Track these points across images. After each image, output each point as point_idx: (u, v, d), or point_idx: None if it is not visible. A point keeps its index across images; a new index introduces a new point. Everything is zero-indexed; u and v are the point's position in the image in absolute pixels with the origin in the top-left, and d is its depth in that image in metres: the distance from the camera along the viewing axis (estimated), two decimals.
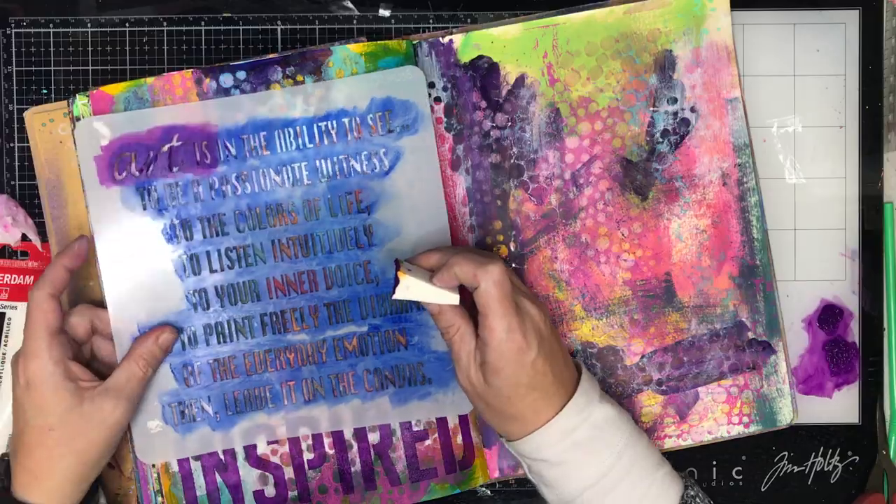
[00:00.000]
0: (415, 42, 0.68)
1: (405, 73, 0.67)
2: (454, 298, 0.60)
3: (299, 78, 0.67)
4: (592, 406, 0.61)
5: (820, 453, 0.72)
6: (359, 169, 0.67)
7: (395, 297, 0.59)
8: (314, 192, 0.67)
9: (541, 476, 0.61)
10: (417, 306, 0.67)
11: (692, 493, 0.61)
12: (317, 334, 0.67)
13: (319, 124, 0.67)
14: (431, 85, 0.68)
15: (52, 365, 0.60)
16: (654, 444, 0.62)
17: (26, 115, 0.68)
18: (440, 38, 0.68)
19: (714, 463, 0.72)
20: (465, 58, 0.69)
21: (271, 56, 0.67)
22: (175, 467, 0.67)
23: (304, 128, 0.67)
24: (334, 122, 0.67)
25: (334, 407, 0.68)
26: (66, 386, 0.61)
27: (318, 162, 0.67)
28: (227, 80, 0.67)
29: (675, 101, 0.69)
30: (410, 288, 0.60)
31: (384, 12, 0.71)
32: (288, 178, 0.67)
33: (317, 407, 0.68)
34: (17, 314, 0.70)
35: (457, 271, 0.59)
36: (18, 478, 0.61)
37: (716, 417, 0.70)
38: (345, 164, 0.67)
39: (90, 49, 0.70)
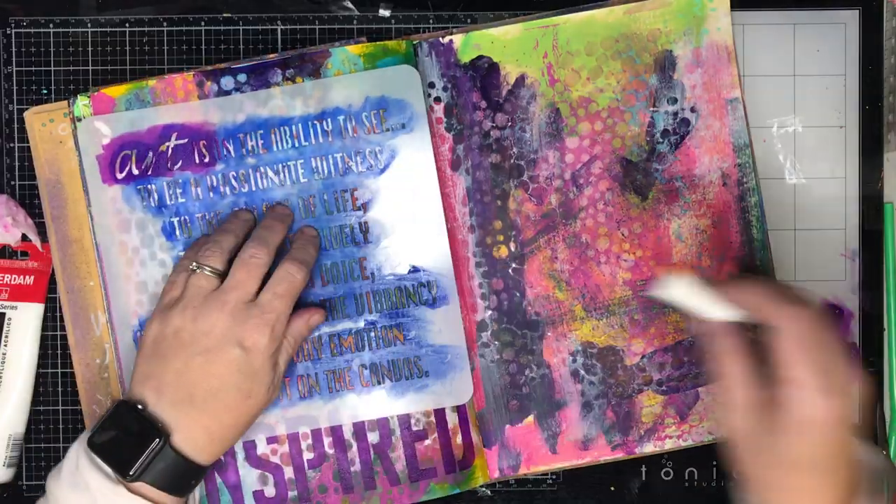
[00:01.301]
0: (415, 42, 0.68)
1: (400, 71, 0.67)
2: (731, 314, 0.54)
3: (298, 80, 0.67)
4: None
5: None
6: (354, 167, 0.67)
7: (652, 291, 0.56)
8: (310, 190, 0.67)
9: None
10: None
11: None
12: (312, 331, 0.67)
13: (315, 123, 0.67)
14: (431, 85, 0.68)
15: (269, 341, 0.61)
16: None
17: (26, 115, 0.69)
18: (440, 39, 0.68)
19: (714, 463, 0.72)
20: (465, 58, 0.69)
21: (271, 57, 0.67)
22: None
23: (301, 126, 0.67)
24: (330, 121, 0.67)
25: (331, 403, 0.68)
26: (272, 362, 0.62)
27: (314, 160, 0.67)
28: (228, 82, 0.67)
29: (675, 101, 0.69)
30: (676, 287, 0.55)
31: (384, 12, 0.71)
32: (285, 176, 0.67)
33: (313, 403, 0.68)
34: (17, 314, 0.70)
35: (750, 297, 0.53)
36: (194, 436, 0.60)
37: (716, 418, 0.70)
38: (340, 163, 0.67)
39: (90, 49, 0.70)
